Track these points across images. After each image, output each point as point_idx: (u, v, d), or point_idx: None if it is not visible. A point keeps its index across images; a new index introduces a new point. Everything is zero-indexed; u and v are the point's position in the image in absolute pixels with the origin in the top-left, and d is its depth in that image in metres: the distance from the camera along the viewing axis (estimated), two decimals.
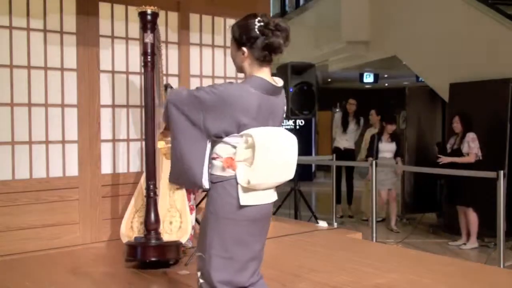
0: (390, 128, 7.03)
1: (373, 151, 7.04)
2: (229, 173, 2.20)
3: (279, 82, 2.30)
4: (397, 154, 7.09)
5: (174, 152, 2.26)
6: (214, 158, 2.23)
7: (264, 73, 2.26)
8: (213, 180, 2.23)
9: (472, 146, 5.90)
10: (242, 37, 2.24)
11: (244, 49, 2.24)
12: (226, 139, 2.20)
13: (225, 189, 2.20)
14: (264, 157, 2.17)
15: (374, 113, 7.87)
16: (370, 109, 8.01)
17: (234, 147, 2.19)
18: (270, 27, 2.20)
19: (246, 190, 2.19)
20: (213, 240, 2.21)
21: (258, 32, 2.19)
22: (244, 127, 2.16)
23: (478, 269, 4.24)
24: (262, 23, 2.20)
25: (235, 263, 2.22)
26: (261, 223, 2.29)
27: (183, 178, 2.28)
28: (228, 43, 5.73)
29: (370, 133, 7.82)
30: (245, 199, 2.19)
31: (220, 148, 2.22)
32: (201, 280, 2.27)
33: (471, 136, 5.93)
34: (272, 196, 2.30)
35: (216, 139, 2.21)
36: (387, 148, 6.97)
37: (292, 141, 2.28)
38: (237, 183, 2.18)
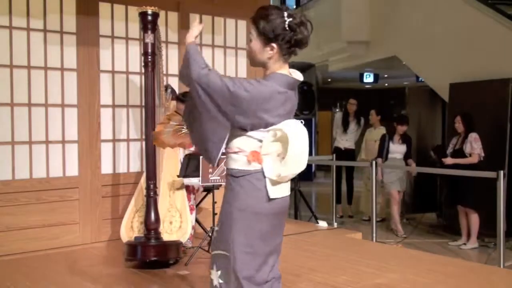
0: (401, 129, 6.85)
1: (383, 152, 6.90)
2: (254, 166, 2.15)
3: (298, 76, 2.26)
4: (408, 155, 6.93)
5: (196, 125, 2.23)
6: (235, 152, 2.19)
7: (286, 69, 2.23)
8: (236, 174, 2.17)
9: (474, 147, 5.88)
10: (271, 33, 2.12)
11: (274, 45, 2.14)
12: (250, 133, 2.17)
13: (251, 183, 2.15)
14: (295, 150, 2.16)
15: (374, 113, 7.86)
16: (370, 109, 8.00)
17: (260, 140, 2.16)
18: (297, 22, 2.13)
19: (274, 183, 2.16)
20: (239, 236, 2.15)
21: (288, 28, 2.12)
22: (271, 124, 2.15)
23: (478, 269, 4.24)
24: (291, 18, 2.12)
25: (257, 258, 2.18)
26: (282, 216, 2.27)
27: (200, 148, 2.27)
28: (228, 43, 5.78)
29: (370, 133, 7.82)
30: (273, 192, 2.17)
31: (243, 142, 2.18)
32: (220, 280, 2.20)
33: (473, 136, 5.91)
34: (289, 188, 2.30)
35: (240, 132, 2.18)
36: (397, 150, 6.78)
37: (306, 132, 2.28)
38: (265, 177, 2.15)
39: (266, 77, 2.19)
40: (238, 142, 2.18)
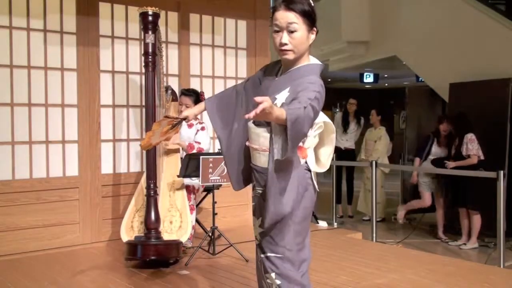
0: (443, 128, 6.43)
1: (422, 153, 6.55)
2: (301, 162, 2.11)
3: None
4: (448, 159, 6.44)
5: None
6: None
7: (309, 56, 2.20)
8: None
9: (470, 148, 5.87)
10: (314, 17, 2.09)
11: (315, 29, 2.12)
12: None
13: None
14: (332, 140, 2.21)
15: (374, 113, 7.85)
16: (370, 109, 8.00)
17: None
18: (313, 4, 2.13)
19: (315, 175, 2.17)
20: (298, 231, 2.13)
21: (314, 11, 2.11)
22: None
23: (478, 269, 4.24)
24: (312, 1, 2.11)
25: (307, 245, 2.21)
26: None
27: None
28: (228, 43, 5.78)
29: (371, 133, 7.81)
30: (316, 185, 2.18)
31: None
32: (278, 282, 2.14)
33: (468, 137, 5.90)
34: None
35: None
36: (439, 152, 6.44)
37: None
38: (309, 170, 2.12)
39: (311, 71, 2.12)
40: None
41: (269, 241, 2.15)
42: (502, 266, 4.80)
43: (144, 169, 4.33)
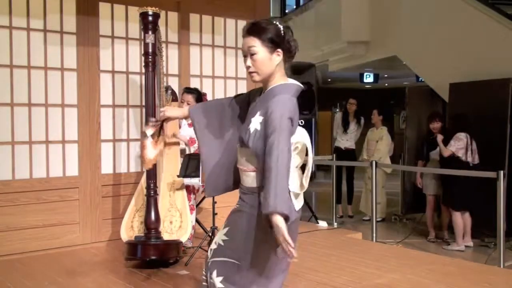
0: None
1: (423, 154, 6.52)
2: None
3: (299, 83, 2.28)
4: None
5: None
6: (253, 171, 2.17)
7: (287, 78, 2.23)
8: (257, 191, 2.15)
9: (451, 143, 5.91)
10: (276, 37, 2.13)
11: (279, 50, 2.15)
12: None
13: None
14: (310, 161, 2.19)
15: (376, 113, 7.84)
16: (370, 109, 7.99)
17: None
18: (287, 27, 2.18)
19: (296, 195, 2.16)
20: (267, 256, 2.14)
21: (283, 33, 2.15)
22: (292, 137, 2.11)
23: (478, 269, 4.24)
24: (281, 25, 2.16)
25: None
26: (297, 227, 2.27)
27: None
28: (228, 43, 5.78)
29: (373, 133, 7.81)
30: (297, 204, 2.18)
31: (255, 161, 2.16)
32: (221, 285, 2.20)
33: (457, 135, 5.94)
34: (302, 200, 2.28)
35: None
36: (437, 151, 6.27)
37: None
38: (289, 191, 2.09)
39: (281, 91, 2.14)
40: (255, 162, 2.15)
41: (230, 248, 2.20)
42: (502, 266, 4.80)
43: (144, 169, 4.33)
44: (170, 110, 2.43)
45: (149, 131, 2.44)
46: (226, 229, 2.24)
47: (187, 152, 4.46)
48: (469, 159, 5.88)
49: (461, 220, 5.89)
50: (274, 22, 2.16)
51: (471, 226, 5.94)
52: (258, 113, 2.12)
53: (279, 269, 2.20)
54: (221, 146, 2.33)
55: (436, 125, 6.26)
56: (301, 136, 2.16)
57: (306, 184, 2.16)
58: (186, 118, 2.44)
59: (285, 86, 2.18)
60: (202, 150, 2.37)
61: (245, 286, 2.16)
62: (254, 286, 2.17)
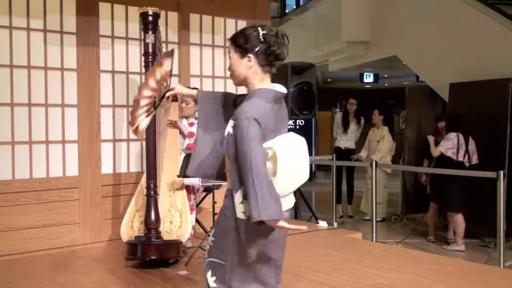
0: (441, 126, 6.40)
1: (427, 153, 6.50)
2: None
3: (282, 89, 2.28)
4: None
5: None
6: None
7: (268, 83, 2.25)
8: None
9: (441, 144, 5.94)
10: (246, 44, 2.20)
11: (250, 55, 2.19)
12: None
13: None
14: (285, 167, 2.15)
15: (377, 113, 7.84)
16: (370, 109, 7.99)
17: None
18: (273, 33, 2.20)
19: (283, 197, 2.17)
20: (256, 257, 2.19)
21: (262, 39, 2.18)
22: (266, 142, 2.12)
23: (478, 269, 4.24)
24: (264, 31, 2.19)
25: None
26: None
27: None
28: (228, 43, 5.75)
29: (374, 133, 7.80)
30: (285, 204, 2.19)
31: None
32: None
33: (447, 135, 5.97)
34: (292, 200, 2.29)
35: None
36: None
37: (304, 143, 2.27)
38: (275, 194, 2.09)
39: (253, 95, 2.18)
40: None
41: (218, 247, 2.24)
42: (502, 266, 4.80)
43: (144, 169, 4.34)
44: (179, 87, 2.56)
45: (144, 100, 2.49)
46: (213, 229, 2.30)
47: (183, 145, 4.46)
48: (461, 159, 5.88)
49: (462, 221, 5.89)
50: (258, 28, 2.21)
51: (465, 228, 5.94)
52: (232, 117, 2.17)
53: (271, 275, 2.22)
54: (215, 132, 2.39)
55: (443, 125, 6.29)
56: (277, 142, 2.14)
57: (278, 191, 2.11)
58: (192, 97, 2.54)
59: (259, 91, 2.20)
60: (199, 128, 2.43)
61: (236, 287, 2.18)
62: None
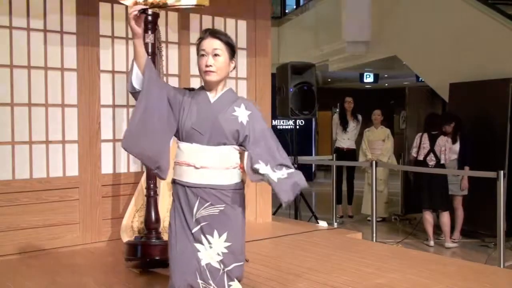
0: (448, 128, 6.32)
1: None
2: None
3: None
4: (465, 159, 6.18)
5: None
6: (235, 168, 2.40)
7: None
8: (242, 187, 2.42)
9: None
10: (234, 50, 2.45)
11: (234, 60, 2.44)
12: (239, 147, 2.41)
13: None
14: None
15: (379, 113, 7.83)
16: (370, 109, 7.99)
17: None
18: None
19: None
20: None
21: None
22: None
23: (478, 269, 4.24)
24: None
25: None
26: None
27: None
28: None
29: (374, 133, 7.80)
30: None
31: (237, 157, 2.42)
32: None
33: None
34: None
35: (238, 148, 2.40)
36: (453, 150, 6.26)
37: None
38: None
39: (234, 92, 2.50)
40: (238, 158, 2.39)
41: (233, 252, 2.38)
42: (502, 266, 4.81)
43: (144, 169, 4.33)
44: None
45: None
46: (226, 234, 2.38)
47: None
48: (421, 158, 6.03)
49: (447, 219, 5.98)
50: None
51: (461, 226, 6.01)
52: (240, 108, 2.36)
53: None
54: (162, 110, 2.41)
55: (448, 127, 6.34)
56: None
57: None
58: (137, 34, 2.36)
59: (236, 95, 2.50)
60: (146, 99, 2.42)
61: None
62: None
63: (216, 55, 2.34)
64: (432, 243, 6.00)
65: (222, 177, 2.32)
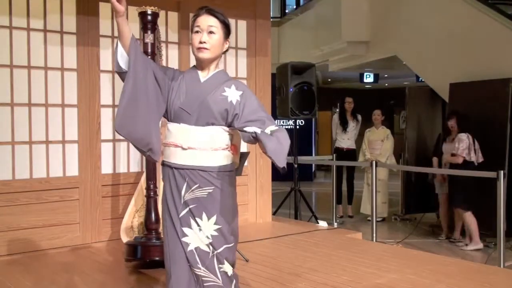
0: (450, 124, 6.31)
1: (437, 151, 6.64)
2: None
3: None
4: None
5: None
6: (225, 149, 2.34)
7: None
8: (232, 169, 2.36)
9: (457, 147, 5.90)
10: (228, 29, 2.39)
11: (228, 40, 2.41)
12: (228, 128, 2.35)
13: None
14: None
15: (379, 113, 7.83)
16: (370, 109, 8.00)
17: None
18: None
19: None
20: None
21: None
22: None
23: (478, 269, 4.24)
24: None
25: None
26: None
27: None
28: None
29: (374, 133, 7.80)
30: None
31: (228, 138, 2.37)
32: (234, 271, 2.38)
33: (459, 136, 5.95)
34: None
35: (228, 129, 2.35)
36: (450, 149, 6.27)
37: None
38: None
39: (226, 73, 2.47)
40: (228, 139, 2.34)
41: (223, 235, 2.32)
42: (502, 266, 4.81)
43: (144, 169, 4.33)
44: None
45: None
46: (216, 217, 2.31)
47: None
48: (473, 159, 5.92)
49: (473, 219, 5.88)
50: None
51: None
52: (230, 88, 2.30)
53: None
54: (149, 93, 2.28)
55: (452, 124, 6.32)
56: None
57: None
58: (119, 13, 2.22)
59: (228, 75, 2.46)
60: (133, 79, 2.24)
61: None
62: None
63: (211, 32, 2.29)
64: (479, 246, 5.91)
65: (210, 158, 2.25)
